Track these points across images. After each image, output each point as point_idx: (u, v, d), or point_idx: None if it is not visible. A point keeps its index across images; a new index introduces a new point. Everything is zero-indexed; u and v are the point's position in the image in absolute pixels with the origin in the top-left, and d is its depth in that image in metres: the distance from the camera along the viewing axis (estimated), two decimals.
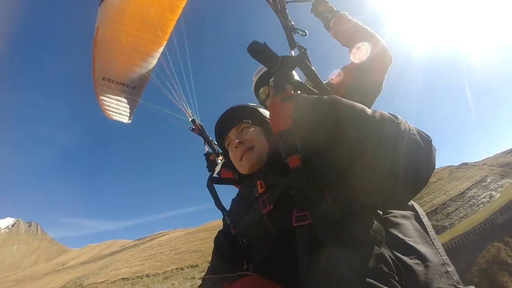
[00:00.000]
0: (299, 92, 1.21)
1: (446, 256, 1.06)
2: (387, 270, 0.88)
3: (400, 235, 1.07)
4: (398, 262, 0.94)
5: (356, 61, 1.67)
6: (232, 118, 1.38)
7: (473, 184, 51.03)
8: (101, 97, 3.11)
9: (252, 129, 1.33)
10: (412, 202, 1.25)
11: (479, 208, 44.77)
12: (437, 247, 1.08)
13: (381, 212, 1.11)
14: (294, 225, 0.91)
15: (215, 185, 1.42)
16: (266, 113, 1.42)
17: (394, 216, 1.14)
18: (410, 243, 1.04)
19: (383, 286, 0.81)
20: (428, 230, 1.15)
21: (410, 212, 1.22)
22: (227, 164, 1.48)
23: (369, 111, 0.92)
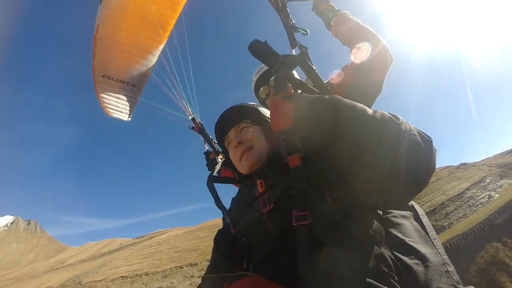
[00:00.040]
0: (299, 91, 1.21)
1: (446, 256, 1.06)
2: (387, 270, 0.88)
3: (400, 235, 1.07)
4: (398, 262, 0.94)
5: (357, 61, 1.67)
6: (232, 118, 1.38)
7: (472, 185, 51.20)
8: (101, 95, 3.10)
9: (252, 128, 1.33)
10: (412, 202, 1.25)
11: (477, 209, 44.93)
12: (437, 247, 1.08)
13: (381, 212, 1.11)
14: (294, 224, 0.91)
15: (215, 184, 1.42)
16: (266, 112, 1.41)
17: (394, 216, 1.14)
18: (410, 243, 1.04)
19: (383, 286, 0.81)
20: (428, 230, 1.15)
21: (409, 212, 1.22)
22: (227, 163, 1.48)
23: (370, 111, 0.92)
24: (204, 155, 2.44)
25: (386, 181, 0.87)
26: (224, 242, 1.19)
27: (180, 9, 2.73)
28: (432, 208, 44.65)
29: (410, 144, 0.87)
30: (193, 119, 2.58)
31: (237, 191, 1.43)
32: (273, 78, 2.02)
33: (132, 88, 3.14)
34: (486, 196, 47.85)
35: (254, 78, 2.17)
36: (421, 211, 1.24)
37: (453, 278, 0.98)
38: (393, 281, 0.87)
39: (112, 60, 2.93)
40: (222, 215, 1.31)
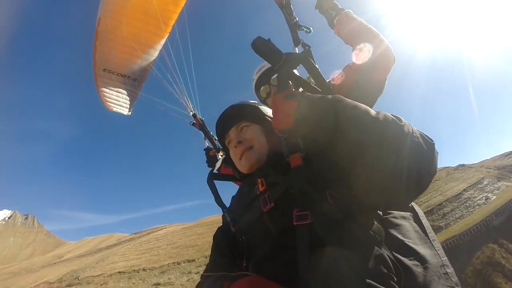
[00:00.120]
0: (300, 89, 1.20)
1: (445, 258, 1.07)
2: (386, 271, 0.89)
3: (399, 236, 1.07)
4: (397, 263, 0.94)
5: (359, 61, 1.66)
6: (232, 117, 1.37)
7: (469, 186, 51.47)
8: (101, 89, 3.08)
9: (252, 128, 1.32)
10: (412, 203, 1.26)
11: (475, 210, 45.20)
12: (436, 249, 1.09)
13: (381, 213, 1.11)
14: (294, 224, 0.91)
15: (215, 181, 1.42)
16: (267, 111, 1.41)
17: (394, 217, 1.15)
18: (410, 244, 1.05)
19: (383, 287, 0.82)
20: (427, 231, 1.15)
21: (409, 213, 1.22)
22: (228, 160, 1.47)
23: (373, 112, 0.92)
24: (204, 152, 2.44)
25: (388, 182, 0.87)
26: (224, 240, 1.18)
27: (182, 3, 2.71)
28: (429, 209, 44.84)
29: (413, 146, 0.87)
30: (194, 115, 2.57)
31: (237, 189, 1.43)
32: (274, 76, 2.03)
33: (133, 82, 3.13)
34: (484, 198, 48.12)
35: (255, 77, 2.15)
36: (421, 212, 1.25)
37: (452, 280, 0.99)
38: (393, 282, 0.87)
39: (113, 54, 2.91)
40: (222, 213, 1.31)
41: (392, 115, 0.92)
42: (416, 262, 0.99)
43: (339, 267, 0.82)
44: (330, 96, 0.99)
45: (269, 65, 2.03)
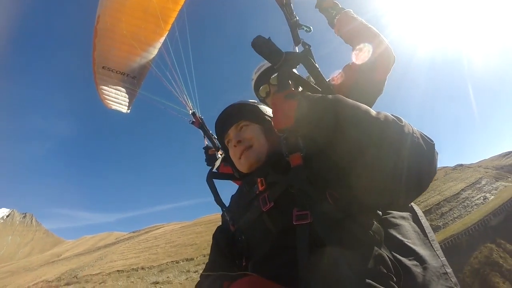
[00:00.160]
0: (300, 89, 1.19)
1: (444, 258, 1.07)
2: (386, 271, 0.89)
3: (399, 236, 1.07)
4: (396, 263, 0.95)
5: (359, 61, 1.67)
6: (232, 116, 1.36)
7: (467, 186, 51.63)
8: (100, 86, 3.07)
9: (252, 127, 1.31)
10: (411, 204, 1.26)
11: (473, 209, 45.36)
12: (435, 249, 1.09)
13: (380, 213, 1.11)
14: (294, 223, 0.91)
15: (214, 180, 1.42)
16: (266, 110, 1.40)
17: (393, 217, 1.15)
18: (409, 244, 1.05)
19: (382, 287, 0.82)
20: (427, 231, 1.16)
21: (409, 213, 1.23)
22: (227, 159, 1.47)
23: (373, 112, 0.92)
24: (204, 150, 2.43)
25: (388, 182, 0.87)
26: (223, 239, 1.18)
27: (182, 1, 2.70)
28: (427, 208, 44.98)
29: (413, 146, 0.87)
30: (194, 114, 2.56)
31: (236, 188, 1.43)
32: (274, 76, 2.02)
33: (132, 80, 3.12)
34: (482, 198, 48.29)
35: (254, 77, 2.14)
36: (420, 213, 1.25)
37: (451, 280, 0.99)
38: (392, 282, 0.88)
39: (112, 51, 2.90)
40: (222, 212, 1.31)
41: (392, 115, 0.92)
42: (415, 262, 0.99)
43: (339, 267, 0.82)
44: (330, 96, 0.99)
45: (268, 65, 2.03)
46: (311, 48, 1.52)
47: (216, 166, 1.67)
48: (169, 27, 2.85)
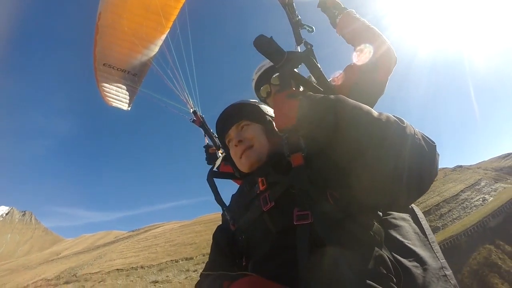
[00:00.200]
0: (301, 88, 1.19)
1: (444, 260, 1.07)
2: (386, 272, 0.89)
3: (399, 237, 1.07)
4: (397, 264, 0.94)
5: (360, 62, 1.66)
6: (233, 116, 1.36)
7: (467, 187, 51.78)
8: (101, 83, 3.06)
9: (253, 127, 1.31)
10: (412, 205, 1.26)
11: (472, 211, 45.46)
12: (435, 251, 1.09)
13: (381, 214, 1.11)
14: (295, 223, 0.91)
15: (214, 179, 1.41)
16: (267, 110, 1.40)
17: (394, 218, 1.15)
18: (409, 245, 1.05)
19: None
20: (427, 233, 1.15)
21: (409, 214, 1.23)
22: (228, 158, 1.46)
23: (375, 113, 0.92)
24: (204, 149, 2.42)
25: (388, 183, 0.87)
26: (223, 239, 1.18)
27: None
28: (427, 209, 45.07)
29: (414, 147, 0.87)
30: (194, 112, 2.54)
31: (236, 187, 1.43)
32: (275, 76, 2.02)
33: (133, 77, 3.11)
34: (481, 199, 48.42)
35: (255, 77, 2.14)
36: (420, 214, 1.25)
37: (450, 282, 0.99)
38: (392, 283, 0.87)
39: (113, 48, 2.89)
40: (222, 211, 1.30)
41: (394, 116, 0.92)
42: (415, 264, 0.99)
43: (339, 267, 0.82)
44: (332, 96, 0.99)
45: (269, 65, 2.03)
46: (313, 48, 1.52)
47: (216, 165, 1.67)
48: (170, 24, 2.84)
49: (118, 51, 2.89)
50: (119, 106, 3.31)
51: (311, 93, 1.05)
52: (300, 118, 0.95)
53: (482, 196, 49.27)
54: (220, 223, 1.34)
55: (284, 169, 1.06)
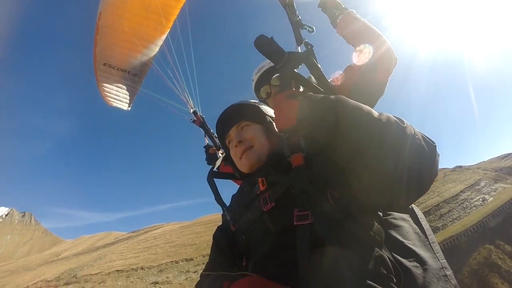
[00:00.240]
0: (302, 89, 1.19)
1: (444, 260, 1.07)
2: (386, 273, 0.89)
3: (399, 237, 1.07)
4: (397, 264, 0.94)
5: (360, 62, 1.66)
6: (233, 116, 1.36)
7: (466, 187, 51.79)
8: (101, 83, 3.06)
9: (253, 127, 1.31)
10: (412, 205, 1.26)
11: (471, 211, 45.46)
12: (435, 251, 1.09)
13: (381, 214, 1.11)
14: (295, 223, 0.91)
15: (215, 180, 1.41)
16: (267, 110, 1.40)
17: (394, 218, 1.15)
18: (409, 245, 1.05)
19: None
20: (427, 233, 1.15)
21: (409, 215, 1.23)
22: (228, 158, 1.46)
23: (375, 113, 0.92)
24: (204, 149, 2.42)
25: (388, 183, 0.87)
26: (223, 239, 1.18)
27: None
28: (426, 209, 45.04)
29: (414, 147, 0.87)
30: (195, 112, 2.54)
31: (236, 187, 1.43)
32: (275, 76, 2.02)
33: (133, 77, 3.11)
34: (480, 199, 48.42)
35: (255, 77, 2.14)
36: (420, 215, 1.25)
37: (451, 282, 0.99)
38: (392, 284, 0.87)
39: (113, 48, 2.89)
40: (222, 212, 1.30)
41: (395, 117, 0.92)
42: (415, 264, 0.99)
43: (339, 267, 0.82)
44: (332, 96, 0.99)
45: (269, 66, 2.04)
46: (313, 48, 1.52)
47: (216, 165, 1.67)
48: (170, 24, 2.84)
49: (119, 51, 2.88)
50: (119, 106, 3.31)
51: (312, 93, 1.05)
52: (300, 118, 0.95)
53: (482, 196, 49.28)
54: (220, 223, 1.34)
55: (284, 170, 1.06)
